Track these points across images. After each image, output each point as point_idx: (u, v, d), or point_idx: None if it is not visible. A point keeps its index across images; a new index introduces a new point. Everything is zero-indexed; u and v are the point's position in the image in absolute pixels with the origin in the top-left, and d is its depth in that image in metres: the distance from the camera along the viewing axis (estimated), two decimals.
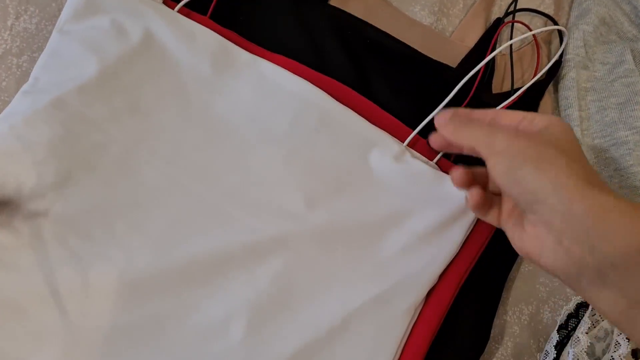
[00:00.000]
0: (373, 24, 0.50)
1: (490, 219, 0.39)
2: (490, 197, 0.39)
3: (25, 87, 0.42)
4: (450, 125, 0.38)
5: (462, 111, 0.40)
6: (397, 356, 0.42)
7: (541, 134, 0.35)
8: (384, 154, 0.44)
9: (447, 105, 0.46)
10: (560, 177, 0.31)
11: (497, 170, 0.34)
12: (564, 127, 0.35)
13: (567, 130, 0.35)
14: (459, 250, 0.44)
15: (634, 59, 0.54)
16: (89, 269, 0.41)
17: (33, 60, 0.44)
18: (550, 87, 0.54)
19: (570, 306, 0.46)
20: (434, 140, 0.41)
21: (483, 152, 0.35)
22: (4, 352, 0.38)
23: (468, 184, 0.39)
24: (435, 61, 0.49)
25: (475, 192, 0.38)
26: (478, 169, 0.40)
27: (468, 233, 0.44)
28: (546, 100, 0.53)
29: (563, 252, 0.31)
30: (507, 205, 0.38)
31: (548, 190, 0.31)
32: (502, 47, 0.46)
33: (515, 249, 0.36)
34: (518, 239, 0.35)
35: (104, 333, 0.40)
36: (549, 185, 0.31)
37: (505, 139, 0.34)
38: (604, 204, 0.30)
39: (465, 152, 0.38)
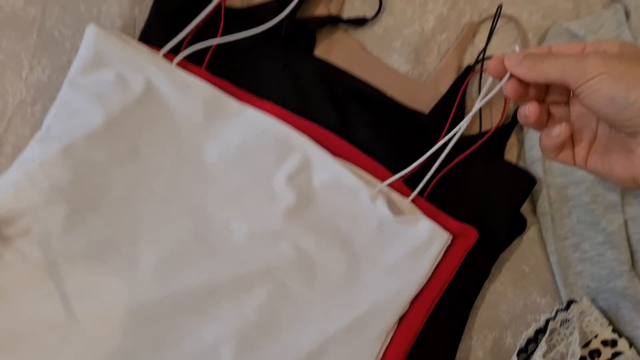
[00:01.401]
0: (354, 72, 0.55)
1: (565, 157, 0.38)
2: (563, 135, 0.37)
3: (38, 135, 0.47)
4: (526, 62, 0.36)
5: (530, 50, 0.38)
6: None
7: (623, 55, 0.33)
8: (360, 195, 0.49)
9: (418, 147, 0.51)
10: None
11: (599, 94, 0.32)
12: (636, 47, 0.34)
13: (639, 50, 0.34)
14: (429, 279, 0.49)
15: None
16: (93, 298, 0.46)
17: (45, 109, 0.49)
18: (518, 129, 0.59)
19: (530, 332, 0.51)
20: (509, 88, 0.39)
21: (575, 80, 0.33)
22: None
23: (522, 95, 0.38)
24: (409, 108, 0.54)
25: (532, 107, 0.36)
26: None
27: (436, 264, 0.49)
28: (512, 142, 0.58)
29: None
30: (584, 143, 0.37)
31: None
32: (482, 95, 0.51)
33: (615, 180, 0.35)
34: (621, 166, 0.34)
35: (107, 356, 0.45)
36: None
37: (601, 62, 0.32)
38: None
39: (551, 82, 0.36)
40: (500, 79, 0.39)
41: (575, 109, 0.39)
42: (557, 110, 0.40)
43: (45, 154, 0.46)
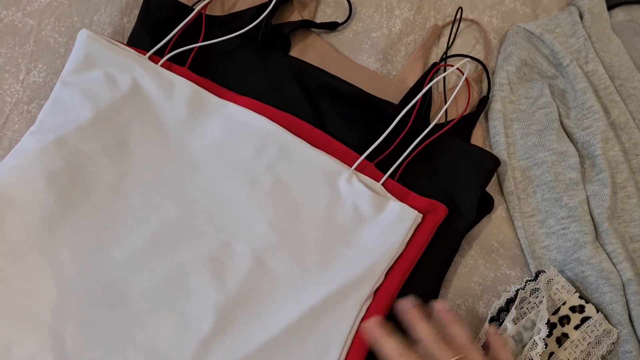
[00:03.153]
0: (327, 70, 0.60)
1: None
2: None
3: (32, 128, 0.51)
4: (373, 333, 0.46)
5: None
6: (347, 346, 0.48)
7: None
8: (334, 179, 0.53)
9: (389, 134, 0.55)
10: None
11: None
12: None
13: None
14: (402, 252, 0.51)
15: (552, 93, 0.63)
16: (80, 273, 0.48)
17: (40, 107, 0.53)
18: (482, 118, 0.63)
19: (501, 301, 0.53)
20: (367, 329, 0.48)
21: None
22: None
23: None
24: (379, 98, 0.58)
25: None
26: None
27: (407, 239, 0.52)
28: (478, 130, 0.62)
29: None
30: None
31: None
32: (433, 82, 0.55)
33: None
34: None
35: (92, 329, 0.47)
36: None
37: None
38: None
39: None
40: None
41: None
42: None
43: (38, 145, 0.50)
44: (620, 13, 0.72)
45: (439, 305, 0.48)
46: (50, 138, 0.50)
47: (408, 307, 0.48)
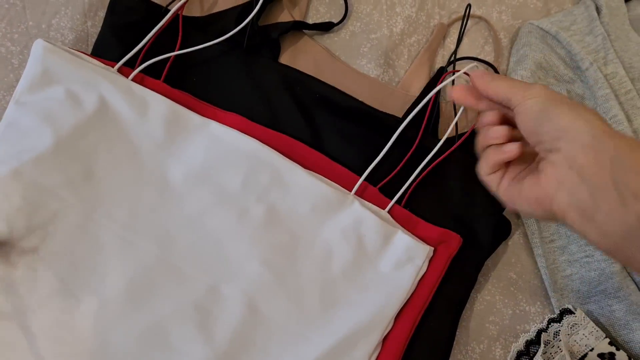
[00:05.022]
0: (322, 79, 0.53)
1: (493, 178, 0.40)
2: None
3: None
4: (487, 76, 0.39)
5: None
6: None
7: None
8: (334, 208, 0.46)
9: (393, 152, 0.49)
10: (593, 119, 0.34)
11: (533, 109, 0.36)
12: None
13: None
14: (413, 292, 0.46)
15: (570, 99, 0.57)
16: (58, 338, 0.42)
17: None
18: None
19: (520, 344, 0.48)
20: (460, 92, 0.41)
21: (519, 97, 0.37)
22: None
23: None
24: (381, 112, 0.52)
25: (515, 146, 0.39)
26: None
27: (418, 278, 0.46)
28: None
29: (583, 186, 0.33)
30: (512, 170, 0.39)
31: (581, 126, 0.34)
32: (436, 90, 0.48)
33: (521, 203, 0.37)
34: (528, 187, 0.37)
35: None
36: (582, 122, 0.34)
37: (544, 89, 0.36)
38: (631, 144, 0.33)
39: (498, 100, 0.39)
40: (463, 104, 0.42)
41: None
42: None
43: None
44: (638, 6, 0.66)
45: None
46: (4, 171, 0.43)
47: None
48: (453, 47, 0.59)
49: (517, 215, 0.54)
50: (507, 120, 0.40)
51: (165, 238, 0.45)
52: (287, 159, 0.47)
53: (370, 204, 0.48)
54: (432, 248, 0.47)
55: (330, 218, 0.47)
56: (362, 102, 0.51)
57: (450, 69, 0.57)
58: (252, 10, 0.50)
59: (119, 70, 0.48)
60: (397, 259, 0.45)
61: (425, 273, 0.46)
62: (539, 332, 0.48)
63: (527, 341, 0.48)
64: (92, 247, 0.44)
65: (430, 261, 0.47)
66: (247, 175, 0.47)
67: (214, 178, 0.47)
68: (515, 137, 0.40)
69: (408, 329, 0.45)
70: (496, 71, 0.58)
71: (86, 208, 0.44)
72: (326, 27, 0.56)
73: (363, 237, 0.47)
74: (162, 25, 0.49)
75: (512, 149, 0.38)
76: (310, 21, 0.57)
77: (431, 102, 0.52)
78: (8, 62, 0.48)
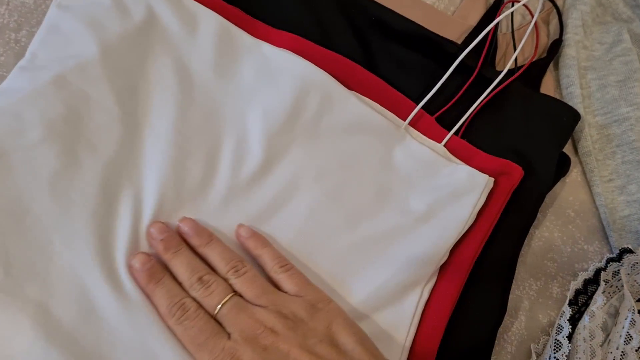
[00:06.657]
0: (378, 1, 0.50)
1: None
2: None
3: (22, 62, 0.41)
4: None
5: None
6: (414, 329, 0.41)
7: None
8: (386, 138, 0.44)
9: (450, 81, 0.46)
10: None
11: None
12: None
13: None
14: (472, 224, 0.44)
15: (630, 38, 0.54)
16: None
17: (31, 35, 0.43)
18: (551, 66, 0.54)
19: (578, 282, 0.46)
20: None
21: None
22: None
23: None
24: (441, 37, 0.49)
25: None
26: None
27: (477, 210, 0.44)
28: (548, 79, 0.53)
29: None
30: None
31: None
32: (499, 19, 0.46)
33: None
34: None
35: None
36: None
37: None
38: None
39: None
40: None
41: None
42: None
43: (32, 85, 0.39)
44: None
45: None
46: (47, 77, 0.40)
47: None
48: None
49: (575, 152, 0.52)
50: None
51: (212, 158, 0.42)
52: (340, 84, 0.44)
53: (424, 137, 0.46)
54: (493, 179, 0.45)
55: (382, 149, 0.44)
56: (421, 26, 0.49)
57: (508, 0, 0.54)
58: None
59: None
60: (454, 189, 0.43)
61: (486, 204, 0.44)
62: (597, 272, 0.46)
63: (585, 280, 0.46)
64: (135, 162, 0.41)
65: (490, 193, 0.44)
66: (297, 99, 0.44)
67: (263, 101, 0.44)
68: None
69: (467, 263, 0.43)
70: (555, 5, 0.55)
71: (131, 122, 0.42)
72: None
73: (417, 170, 0.44)
74: None
75: None
76: None
77: (491, 32, 0.50)
78: None
